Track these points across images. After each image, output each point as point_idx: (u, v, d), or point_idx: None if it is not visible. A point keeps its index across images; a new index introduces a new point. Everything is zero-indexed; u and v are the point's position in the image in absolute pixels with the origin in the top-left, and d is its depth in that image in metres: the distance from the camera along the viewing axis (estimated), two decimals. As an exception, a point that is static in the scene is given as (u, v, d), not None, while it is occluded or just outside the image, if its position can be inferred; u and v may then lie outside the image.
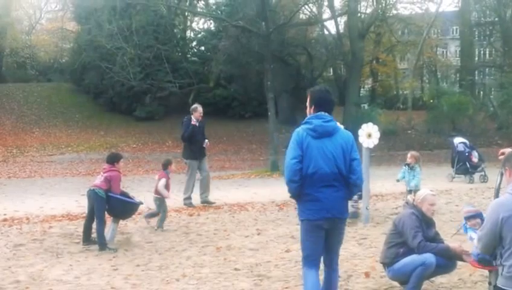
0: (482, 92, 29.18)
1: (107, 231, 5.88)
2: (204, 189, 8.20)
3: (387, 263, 3.96)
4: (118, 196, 5.83)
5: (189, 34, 29.90)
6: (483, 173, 10.94)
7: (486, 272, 3.64)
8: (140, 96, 23.50)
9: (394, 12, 26.38)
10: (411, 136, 21.64)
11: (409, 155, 7.33)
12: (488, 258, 3.12)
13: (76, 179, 13.01)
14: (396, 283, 4.08)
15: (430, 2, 27.16)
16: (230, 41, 21.00)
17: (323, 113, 3.43)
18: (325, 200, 3.35)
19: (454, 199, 8.68)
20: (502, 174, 3.59)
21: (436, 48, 33.28)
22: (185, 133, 8.00)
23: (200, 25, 29.80)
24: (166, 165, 6.83)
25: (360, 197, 7.00)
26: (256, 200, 8.90)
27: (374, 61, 29.89)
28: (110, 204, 5.81)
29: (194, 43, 29.40)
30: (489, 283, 3.45)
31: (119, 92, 23.80)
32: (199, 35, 28.96)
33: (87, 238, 5.90)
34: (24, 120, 24.04)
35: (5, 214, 7.71)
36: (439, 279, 4.17)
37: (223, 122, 23.84)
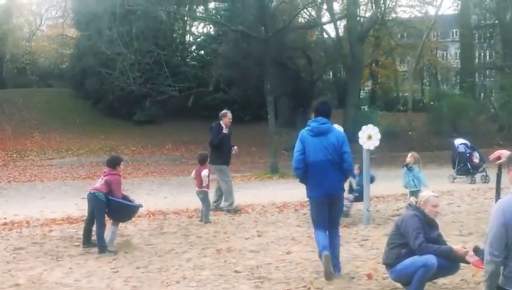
0: (482, 94, 29.18)
1: (107, 234, 5.86)
2: (219, 197, 8.11)
3: (390, 264, 3.93)
4: (118, 199, 5.81)
5: (189, 38, 30.00)
6: (484, 174, 10.92)
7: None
8: (140, 100, 23.54)
9: (393, 15, 26.48)
10: (412, 138, 21.62)
11: (409, 155, 7.30)
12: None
13: (77, 182, 12.99)
14: (399, 285, 4.05)
15: (430, 5, 27.25)
16: (230, 45, 21.07)
17: (320, 118, 4.57)
18: (323, 182, 4.46)
19: (456, 199, 8.65)
20: (498, 176, 3.58)
21: (436, 50, 33.37)
22: (214, 139, 7.85)
23: (200, 29, 29.95)
24: (204, 160, 7.23)
25: (355, 200, 6.97)
26: (256, 202, 8.87)
27: (374, 64, 29.93)
28: (110, 207, 5.79)
29: (194, 47, 29.48)
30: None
31: (119, 97, 23.85)
32: (198, 40, 29.04)
33: (87, 241, 5.89)
34: (24, 125, 24.07)
35: (5, 218, 7.68)
36: (442, 280, 4.13)
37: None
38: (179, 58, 26.57)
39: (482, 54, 30.51)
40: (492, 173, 9.74)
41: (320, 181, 4.44)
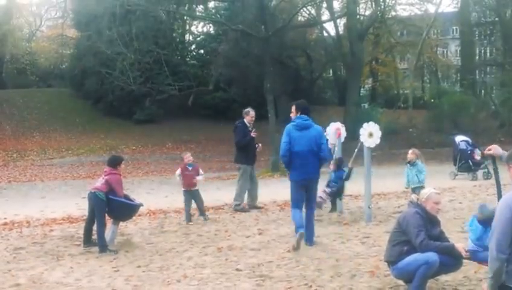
0: (483, 91, 29.11)
1: (107, 233, 5.84)
2: (253, 198, 8.09)
3: (392, 262, 3.92)
4: (118, 198, 5.80)
5: (188, 37, 29.97)
6: (486, 170, 10.88)
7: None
8: (140, 99, 23.52)
9: (393, 13, 26.41)
10: (412, 135, 21.57)
11: (410, 152, 7.28)
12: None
13: (77, 182, 12.97)
14: (401, 282, 4.03)
15: (429, 3, 27.13)
16: (230, 44, 21.02)
17: (303, 115, 5.59)
18: (303, 167, 5.45)
19: (457, 196, 8.63)
20: (495, 170, 3.61)
21: (437, 47, 33.28)
22: (241, 140, 7.84)
23: (200, 28, 29.90)
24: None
25: (331, 194, 6.89)
26: (257, 201, 8.84)
27: (374, 62, 29.88)
28: (110, 206, 5.78)
29: (193, 47, 29.45)
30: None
31: (119, 96, 23.83)
32: (198, 39, 29.00)
33: (87, 240, 5.88)
34: (24, 125, 24.06)
35: (5, 218, 7.67)
36: (444, 277, 4.11)
37: (223, 124, 23.82)
38: (179, 58, 26.54)
39: (483, 51, 30.42)
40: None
41: (302, 167, 5.43)
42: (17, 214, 8.01)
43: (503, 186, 3.77)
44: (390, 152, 17.59)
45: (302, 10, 23.66)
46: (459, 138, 11.68)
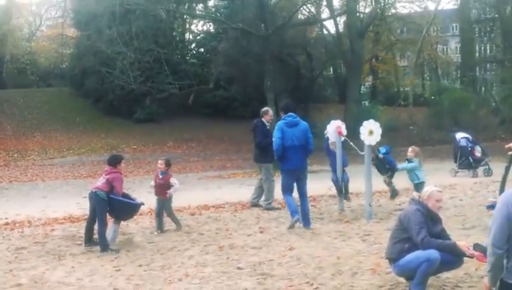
0: (483, 88, 29.07)
1: (109, 232, 5.85)
2: (258, 194, 8.09)
3: (393, 259, 3.92)
4: (119, 198, 5.81)
5: (188, 36, 29.93)
6: (487, 167, 10.86)
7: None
8: (140, 98, 23.52)
9: (393, 11, 26.36)
10: (413, 132, 21.54)
11: (409, 149, 7.26)
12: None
13: (78, 181, 12.97)
14: (402, 279, 4.03)
15: (429, 0, 27.11)
16: (230, 43, 21.00)
17: (292, 113, 6.39)
18: (294, 159, 6.24)
19: (458, 193, 8.63)
20: (507, 168, 3.58)
21: (437, 45, 33.24)
22: (263, 141, 7.80)
23: (199, 27, 29.85)
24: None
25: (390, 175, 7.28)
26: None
27: (374, 59, 29.83)
28: (112, 205, 5.79)
29: (193, 45, 29.41)
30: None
31: (119, 96, 23.82)
32: (198, 38, 28.96)
33: (89, 240, 5.88)
34: (25, 125, 24.06)
35: (6, 218, 7.67)
36: (445, 274, 4.12)
37: (223, 123, 23.84)
38: (179, 56, 26.50)
39: (483, 48, 30.36)
40: (495, 167, 9.71)
41: (292, 158, 6.21)
42: (18, 214, 8.02)
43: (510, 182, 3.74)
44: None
45: (301, 8, 23.61)
46: (460, 135, 11.64)
